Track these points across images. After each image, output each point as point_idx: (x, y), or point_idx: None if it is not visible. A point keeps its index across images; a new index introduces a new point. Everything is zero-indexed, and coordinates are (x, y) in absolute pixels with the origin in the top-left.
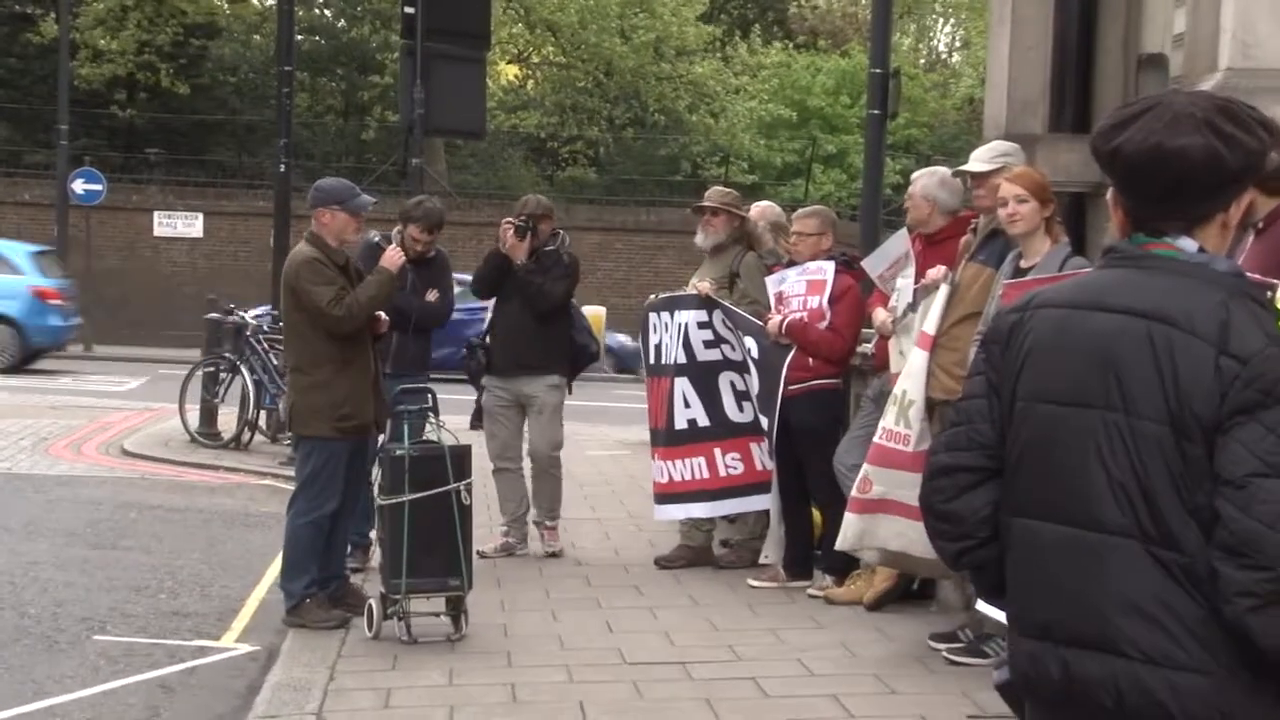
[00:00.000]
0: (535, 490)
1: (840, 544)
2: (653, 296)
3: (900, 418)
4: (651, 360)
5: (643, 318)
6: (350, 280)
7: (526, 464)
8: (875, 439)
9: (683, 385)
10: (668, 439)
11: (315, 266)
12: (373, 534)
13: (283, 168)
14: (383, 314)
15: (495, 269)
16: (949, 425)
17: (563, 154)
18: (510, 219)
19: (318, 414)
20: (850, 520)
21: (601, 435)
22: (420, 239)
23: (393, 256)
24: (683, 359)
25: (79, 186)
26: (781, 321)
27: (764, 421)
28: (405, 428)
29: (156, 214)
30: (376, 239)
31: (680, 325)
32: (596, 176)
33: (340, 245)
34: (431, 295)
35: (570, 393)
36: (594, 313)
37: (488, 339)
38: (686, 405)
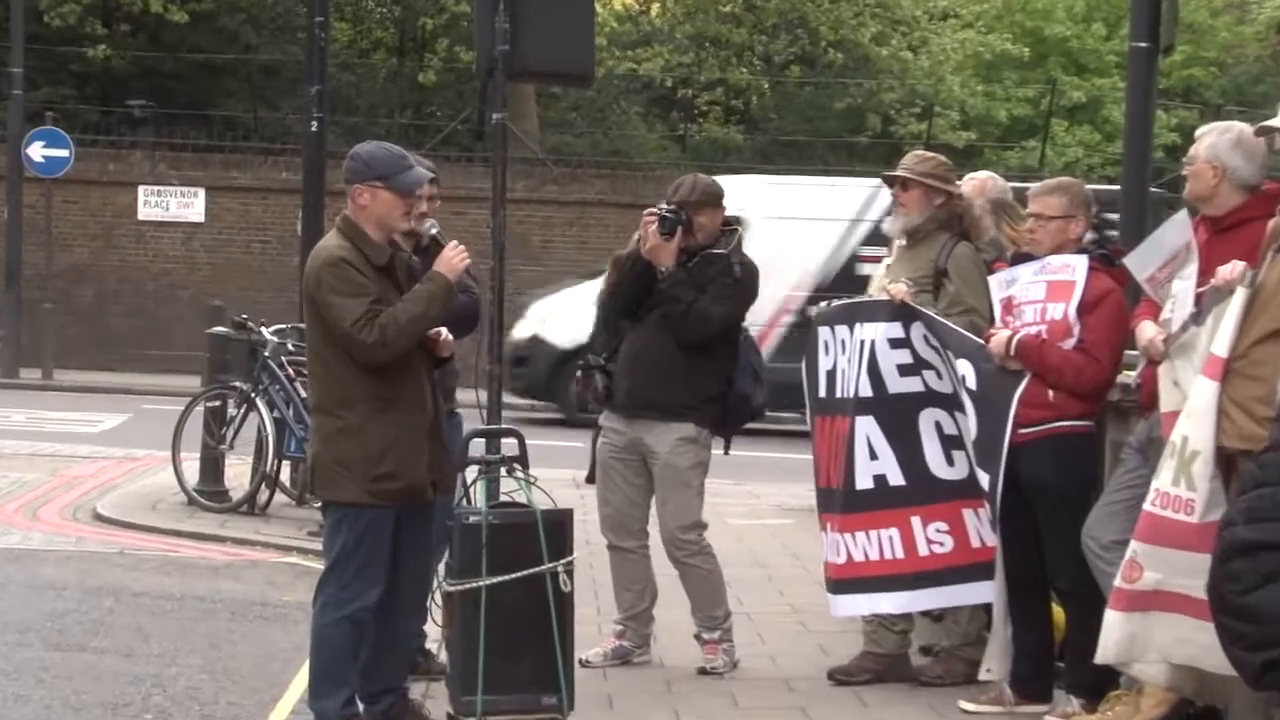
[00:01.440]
0: (686, 587)
1: (1099, 655)
2: (824, 304)
3: (1180, 475)
4: (822, 392)
5: (810, 334)
6: (397, 287)
7: (655, 539)
8: (1145, 505)
9: (867, 427)
10: (846, 503)
11: (341, 270)
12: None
13: (315, 125)
14: (445, 331)
15: (632, 280)
16: (1250, 486)
17: (699, 105)
18: (656, 208)
19: (348, 471)
20: (1112, 621)
21: (750, 497)
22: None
23: (452, 259)
24: (868, 390)
25: (37, 152)
26: (1010, 339)
27: (983, 479)
28: (482, 484)
29: (142, 190)
30: (435, 231)
31: (865, 344)
32: (746, 137)
33: (385, 237)
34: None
35: (724, 453)
36: None
37: (609, 359)
38: (873, 456)
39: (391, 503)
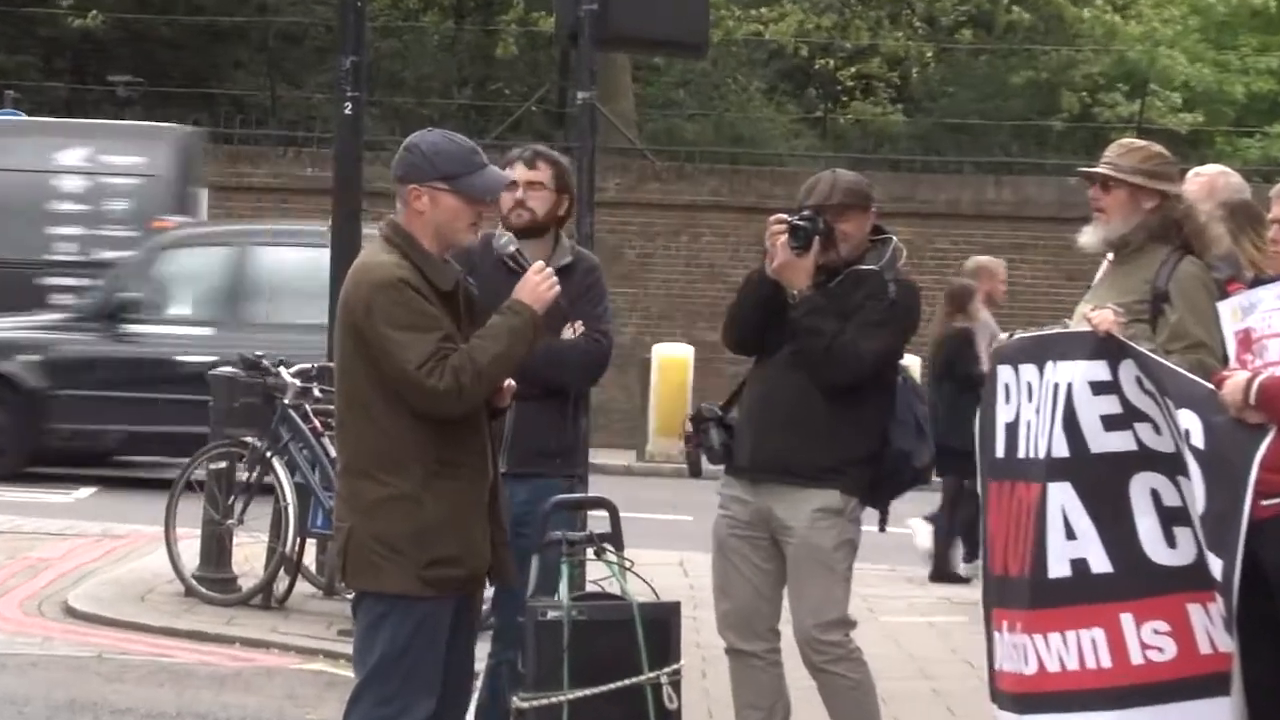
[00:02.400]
0: (827, 703)
1: None
2: (1002, 336)
3: None
4: (999, 451)
5: (987, 373)
6: (457, 320)
7: (788, 640)
8: None
9: (1062, 497)
10: (1035, 595)
11: (402, 295)
12: None
13: (349, 108)
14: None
15: (756, 306)
16: None
17: (842, 81)
18: (786, 215)
19: (395, 554)
20: None
21: (911, 586)
22: None
23: (539, 286)
24: (1063, 449)
25: None
26: (1249, 383)
27: (1215, 565)
28: (563, 569)
29: None
30: (514, 248)
31: (1059, 389)
32: (905, 120)
33: (443, 251)
34: (573, 330)
35: (879, 529)
36: None
37: (728, 408)
38: (1070, 534)
39: (449, 593)
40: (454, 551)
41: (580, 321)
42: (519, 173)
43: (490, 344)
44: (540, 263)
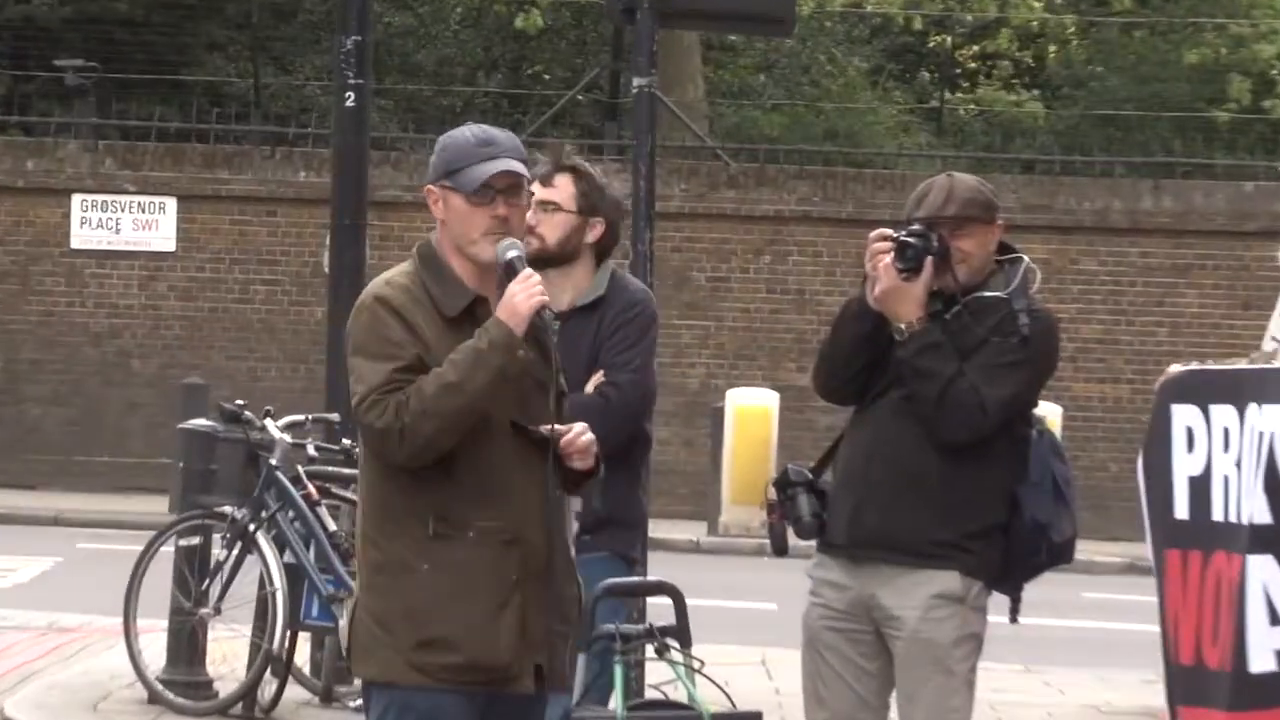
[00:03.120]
0: None
1: None
2: (1172, 368)
3: None
4: (1181, 511)
5: (1156, 415)
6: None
7: None
8: None
9: (1265, 572)
10: (1235, 692)
11: (372, 316)
12: None
13: (351, 98)
14: (583, 430)
15: (856, 342)
16: None
17: (962, 63)
18: (890, 230)
19: (385, 633)
20: None
21: (1051, 693)
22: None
23: (515, 295)
24: (1264, 514)
25: None
26: None
27: None
28: (617, 671)
29: (78, 200)
30: (514, 255)
31: (1264, 438)
32: (1041, 111)
33: (472, 269)
34: (596, 379)
35: (1010, 620)
36: None
37: (819, 469)
38: (1275, 619)
39: (450, 685)
40: (449, 633)
41: (602, 371)
42: (538, 189)
43: (444, 371)
44: (527, 270)
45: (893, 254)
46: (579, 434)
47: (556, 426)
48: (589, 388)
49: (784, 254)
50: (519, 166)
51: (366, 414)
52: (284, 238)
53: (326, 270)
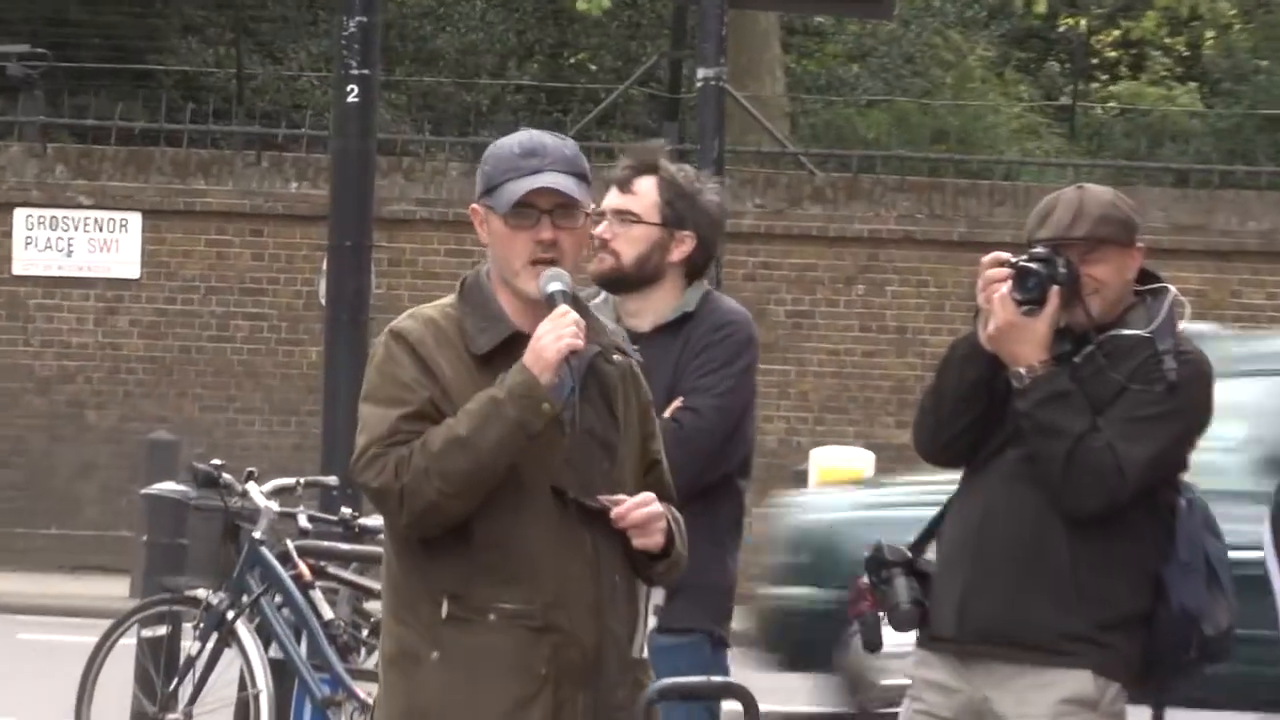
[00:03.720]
0: None
1: None
2: None
3: None
4: None
5: None
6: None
7: None
8: None
9: None
10: None
11: (385, 352)
12: None
13: (354, 91)
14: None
15: (967, 389)
16: None
17: (1100, 51)
18: (1006, 255)
19: None
20: None
21: None
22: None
23: (541, 339)
24: None
25: None
26: None
27: None
28: None
29: (21, 215)
30: (554, 288)
31: None
32: (1196, 110)
33: (520, 302)
34: (674, 407)
35: None
36: None
37: (921, 548)
38: None
39: None
40: None
41: (681, 397)
42: (607, 199)
43: (455, 423)
44: (563, 305)
45: (1011, 283)
46: (638, 504)
47: (612, 497)
48: (666, 414)
49: (881, 283)
50: (564, 182)
51: (363, 471)
52: (272, 262)
53: (323, 302)
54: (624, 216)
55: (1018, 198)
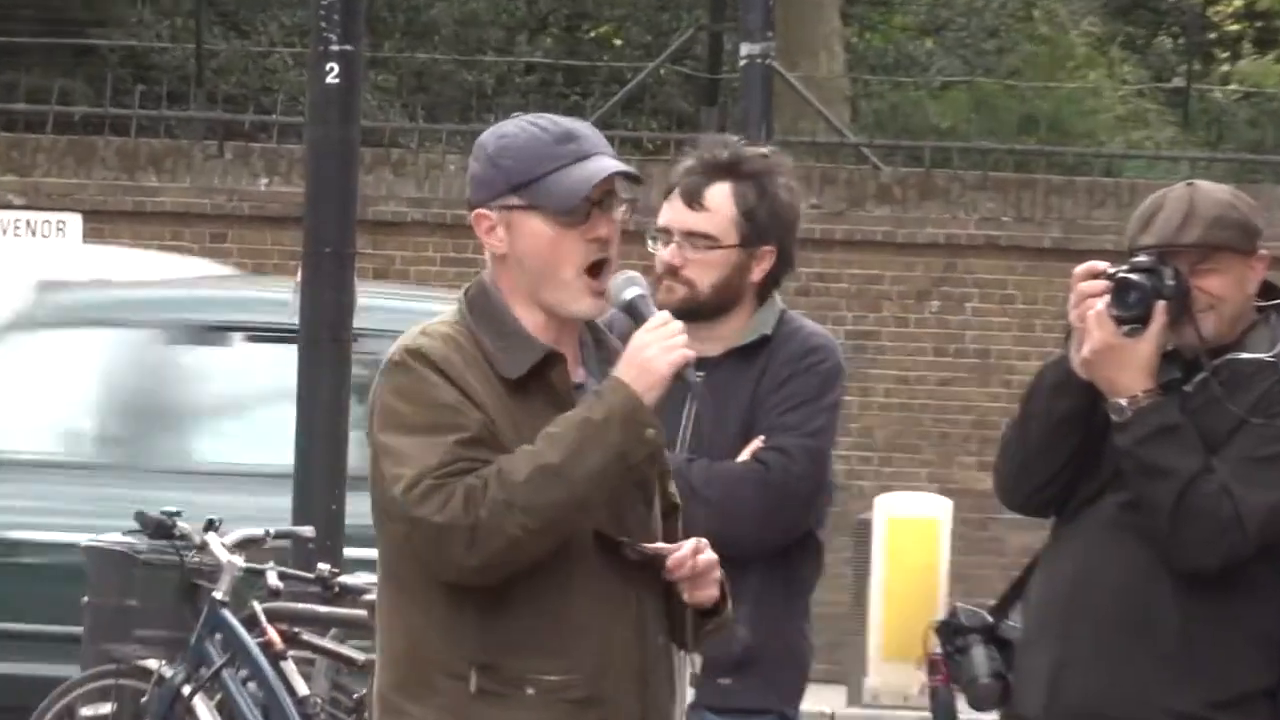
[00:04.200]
0: None
1: None
2: None
3: None
4: None
5: None
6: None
7: None
8: None
9: None
10: None
11: (408, 375)
12: None
13: (334, 71)
14: (699, 549)
15: (1057, 423)
16: None
17: (1219, 24)
18: (1103, 265)
19: None
20: None
21: None
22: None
23: (646, 349)
24: None
25: None
26: None
27: None
28: None
29: None
30: (632, 294)
31: None
32: None
33: (549, 321)
34: (754, 446)
35: None
36: None
37: (1004, 612)
38: None
39: None
40: None
41: (762, 436)
42: (672, 214)
43: (540, 450)
44: (663, 313)
45: (1109, 298)
46: (695, 550)
47: (658, 544)
48: (744, 454)
49: (959, 298)
50: (624, 164)
51: (419, 504)
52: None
53: (296, 319)
54: (696, 240)
55: (1121, 197)
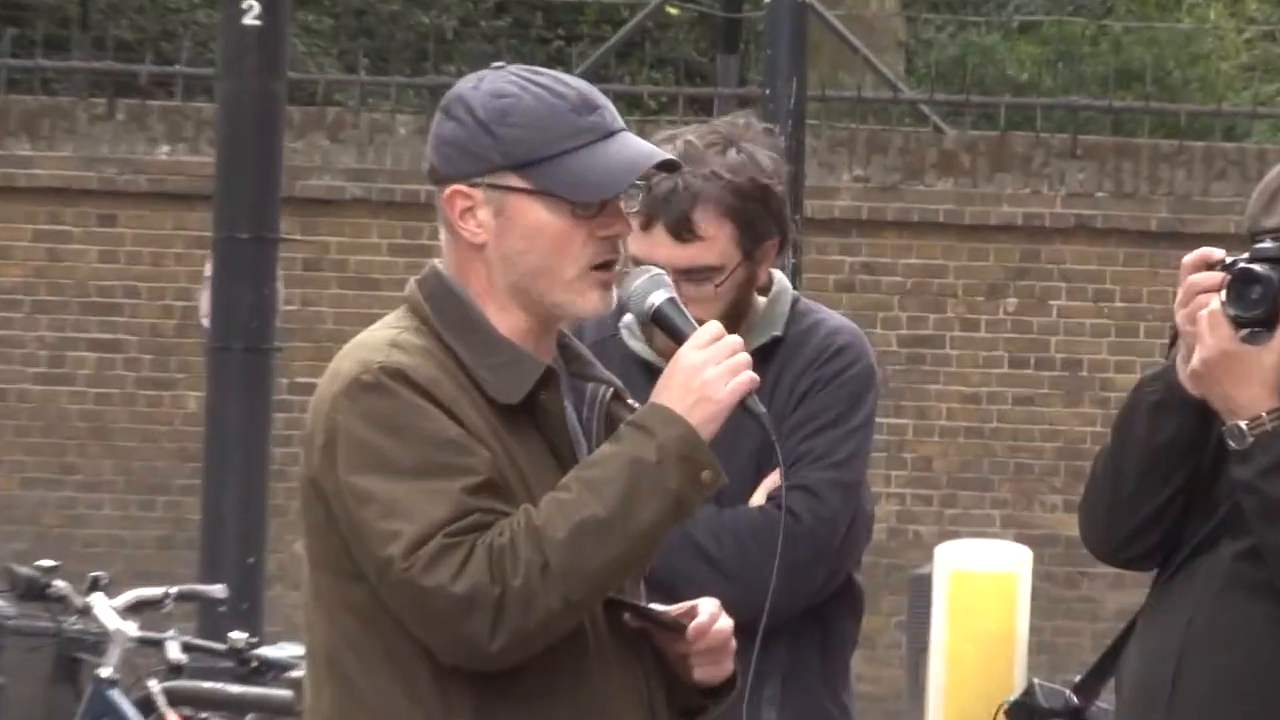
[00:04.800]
0: None
1: None
2: None
3: None
4: None
5: None
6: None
7: None
8: None
9: None
10: None
11: (404, 405)
12: None
13: (252, 12)
14: (706, 611)
15: (1160, 450)
16: None
17: None
18: (1217, 253)
19: None
20: None
21: None
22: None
23: (702, 368)
24: None
25: None
26: None
27: None
28: None
29: None
30: (661, 300)
31: None
32: None
33: (538, 327)
34: (771, 482)
35: None
36: None
37: (1095, 685)
38: None
39: None
40: None
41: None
42: (661, 251)
43: (579, 499)
44: (713, 324)
45: (1226, 294)
46: (714, 617)
47: (664, 608)
48: (758, 496)
49: (1044, 293)
50: (658, 148)
51: (429, 571)
52: (130, 264)
53: (205, 323)
54: (696, 275)
55: (1246, 167)
